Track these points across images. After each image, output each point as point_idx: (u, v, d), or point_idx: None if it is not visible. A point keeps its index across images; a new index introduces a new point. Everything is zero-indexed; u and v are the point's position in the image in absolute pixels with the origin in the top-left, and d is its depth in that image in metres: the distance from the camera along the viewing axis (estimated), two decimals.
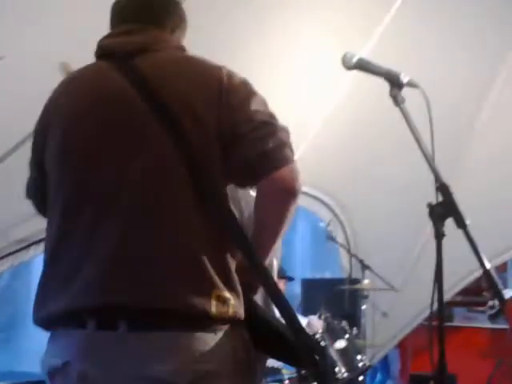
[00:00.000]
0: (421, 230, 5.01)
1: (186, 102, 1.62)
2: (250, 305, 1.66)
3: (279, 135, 1.63)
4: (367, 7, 3.95)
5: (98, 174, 1.64)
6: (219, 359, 1.58)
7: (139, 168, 1.60)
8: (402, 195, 5.00)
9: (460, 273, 5.48)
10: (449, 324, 6.37)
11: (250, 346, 1.67)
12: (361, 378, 4.13)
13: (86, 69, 1.79)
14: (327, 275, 7.44)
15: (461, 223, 1.66)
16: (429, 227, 1.73)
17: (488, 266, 1.67)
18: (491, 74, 4.83)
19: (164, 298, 1.55)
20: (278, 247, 1.77)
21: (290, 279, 4.94)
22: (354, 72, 1.90)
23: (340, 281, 5.57)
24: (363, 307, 5.25)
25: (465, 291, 6.14)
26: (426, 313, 5.20)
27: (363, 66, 1.88)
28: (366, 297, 5.21)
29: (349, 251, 5.50)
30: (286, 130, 1.66)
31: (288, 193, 1.62)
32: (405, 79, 1.83)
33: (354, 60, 1.86)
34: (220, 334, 1.59)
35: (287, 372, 3.95)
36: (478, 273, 5.27)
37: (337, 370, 3.91)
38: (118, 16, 1.83)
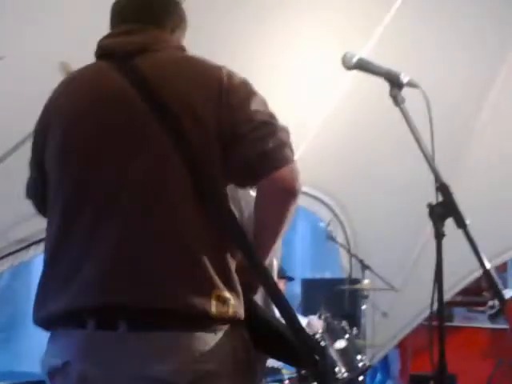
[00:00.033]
0: (421, 230, 5.01)
1: (186, 102, 1.62)
2: (249, 305, 1.66)
3: (279, 135, 1.62)
4: (367, 7, 3.95)
5: (98, 174, 1.64)
6: (219, 359, 1.58)
7: (139, 168, 1.60)
8: (402, 195, 5.00)
9: (460, 273, 5.47)
10: (449, 324, 6.37)
11: (250, 345, 1.67)
12: (361, 378, 4.13)
13: (86, 69, 1.79)
14: (327, 275, 7.44)
15: (461, 223, 1.66)
16: (429, 227, 1.73)
17: (488, 266, 1.67)
18: (491, 74, 4.83)
19: (164, 298, 1.55)
20: (278, 247, 1.77)
21: (290, 279, 4.94)
22: (354, 72, 1.90)
23: (340, 281, 5.57)
24: (363, 307, 5.24)
25: (465, 291, 6.14)
26: (426, 313, 5.20)
27: (363, 66, 1.88)
28: (366, 297, 5.21)
29: (349, 251, 5.50)
30: (286, 130, 1.66)
31: (288, 193, 1.62)
32: (405, 79, 1.83)
33: (354, 60, 1.86)
34: (220, 334, 1.59)
35: (287, 372, 3.95)
36: (478, 273, 5.27)
37: (337, 369, 3.91)
38: (118, 16, 1.83)
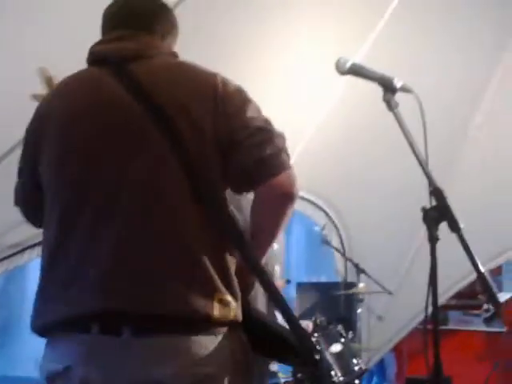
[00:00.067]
0: (415, 234, 5.02)
1: (181, 107, 1.63)
2: (244, 306, 1.67)
3: (276, 141, 1.64)
4: (360, 12, 3.95)
5: (98, 174, 1.64)
6: (218, 362, 1.58)
7: (139, 168, 1.61)
8: (396, 199, 5.01)
9: (454, 276, 5.48)
10: (444, 327, 6.37)
11: (247, 348, 1.68)
12: (357, 382, 4.13)
13: (79, 74, 1.79)
14: (322, 279, 7.44)
15: (455, 227, 1.66)
16: (423, 231, 1.73)
17: (482, 269, 1.67)
18: (486, 75, 4.84)
19: (164, 302, 1.55)
20: (279, 253, 1.78)
21: (288, 282, 4.93)
22: (348, 77, 1.91)
23: (335, 284, 5.57)
24: (358, 311, 5.25)
25: (459, 294, 6.15)
26: (421, 316, 5.20)
27: (357, 71, 1.88)
28: (362, 300, 5.21)
29: (344, 255, 5.50)
30: (282, 136, 1.67)
31: (286, 198, 1.64)
32: (398, 84, 1.84)
33: (348, 65, 1.87)
34: (220, 337, 1.60)
35: (283, 376, 3.95)
36: (473, 276, 5.28)
37: (333, 373, 3.91)
38: (109, 22, 1.83)
